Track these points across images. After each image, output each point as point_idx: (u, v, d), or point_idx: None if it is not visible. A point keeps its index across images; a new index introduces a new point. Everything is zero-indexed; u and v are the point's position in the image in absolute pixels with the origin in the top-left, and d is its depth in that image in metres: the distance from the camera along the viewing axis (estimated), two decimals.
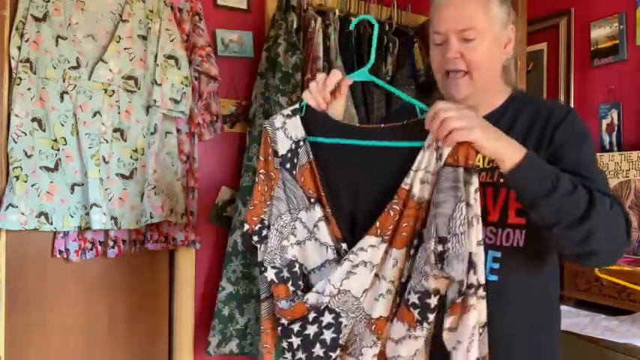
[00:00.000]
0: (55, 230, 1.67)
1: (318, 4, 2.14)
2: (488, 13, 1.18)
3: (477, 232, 0.95)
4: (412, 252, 1.01)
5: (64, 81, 1.66)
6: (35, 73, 1.62)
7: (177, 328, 1.97)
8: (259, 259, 1.13)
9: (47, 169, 1.64)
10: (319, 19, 2.03)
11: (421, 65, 2.24)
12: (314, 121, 1.13)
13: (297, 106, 1.14)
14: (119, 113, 1.74)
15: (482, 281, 0.94)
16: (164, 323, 1.99)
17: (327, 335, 1.07)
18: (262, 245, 1.13)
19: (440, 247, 0.94)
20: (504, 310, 1.13)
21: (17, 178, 1.58)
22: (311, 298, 1.06)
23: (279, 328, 1.10)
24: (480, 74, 1.17)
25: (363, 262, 1.03)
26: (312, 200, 1.10)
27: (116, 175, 1.73)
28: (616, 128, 2.20)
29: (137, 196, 1.75)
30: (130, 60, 1.75)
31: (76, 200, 1.67)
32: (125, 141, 1.75)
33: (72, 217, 1.66)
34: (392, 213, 1.03)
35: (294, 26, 2.00)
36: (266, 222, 1.13)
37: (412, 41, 2.26)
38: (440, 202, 0.97)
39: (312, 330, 1.07)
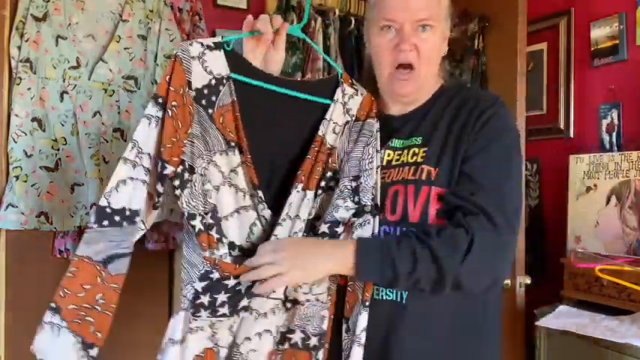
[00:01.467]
0: (55, 230, 1.67)
1: (318, 4, 2.14)
2: (440, 3, 1.14)
3: (377, 163, 1.16)
4: (319, 192, 1.13)
5: (64, 81, 1.66)
6: (35, 73, 1.62)
7: None
8: (183, 207, 1.00)
9: (47, 169, 1.64)
10: (319, 19, 2.03)
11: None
12: (237, 59, 1.07)
13: (219, 38, 1.06)
14: (119, 113, 1.74)
15: (379, 203, 1.13)
16: (164, 323, 1.98)
17: (244, 285, 1.04)
18: (184, 190, 1.00)
19: (354, 184, 1.13)
20: (417, 325, 1.10)
21: (17, 177, 1.58)
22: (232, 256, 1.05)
23: (203, 284, 1.02)
24: (427, 69, 1.16)
25: (297, 216, 1.10)
26: (232, 144, 1.04)
27: None
28: (616, 128, 2.20)
29: None
30: (130, 60, 1.75)
31: (76, 200, 1.67)
32: (125, 141, 1.75)
33: (72, 217, 1.66)
34: (308, 159, 1.12)
35: None
36: (187, 163, 1.01)
37: None
38: (352, 149, 1.16)
39: (244, 285, 1.04)
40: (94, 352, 1.02)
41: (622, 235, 2.02)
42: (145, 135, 0.99)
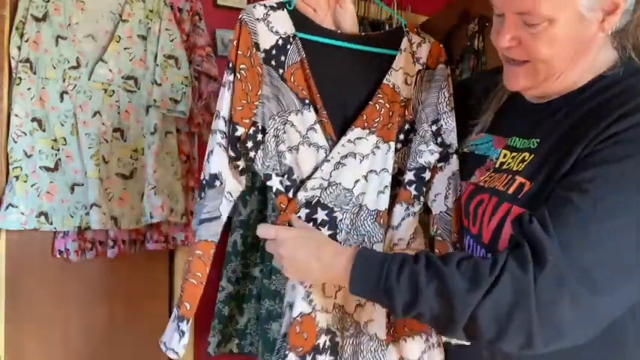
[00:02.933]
0: (55, 230, 1.67)
1: None
2: None
3: (453, 105, 1.13)
4: (399, 146, 1.13)
5: (64, 81, 1.66)
6: (35, 73, 1.62)
7: None
8: (258, 168, 1.02)
9: (47, 169, 1.64)
10: None
11: None
12: (300, 18, 1.07)
13: None
14: (119, 113, 1.74)
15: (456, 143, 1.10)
16: (164, 323, 1.98)
17: (324, 233, 1.05)
18: (257, 152, 1.03)
19: (434, 127, 1.12)
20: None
21: (17, 178, 1.58)
22: (300, 195, 1.04)
23: None
24: (546, 67, 0.91)
25: (352, 154, 1.06)
26: (306, 102, 1.05)
27: (116, 175, 1.73)
28: None
29: (137, 196, 1.75)
30: (130, 60, 1.75)
31: (76, 200, 1.67)
32: (125, 141, 1.75)
33: (72, 217, 1.66)
34: (377, 106, 1.10)
35: None
36: (259, 125, 1.03)
37: None
38: (426, 97, 1.15)
39: None
40: (184, 325, 1.04)
41: None
42: (222, 102, 1.03)
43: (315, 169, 1.05)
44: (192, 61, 1.86)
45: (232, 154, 1.03)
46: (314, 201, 1.04)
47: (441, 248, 1.08)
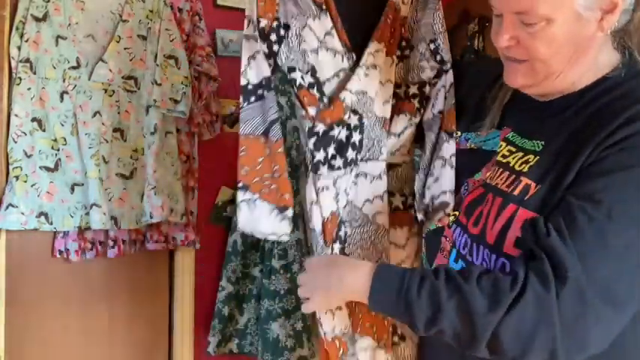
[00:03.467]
0: (55, 230, 1.67)
1: None
2: None
3: (445, 27, 1.18)
4: (396, 60, 1.19)
5: (64, 81, 1.66)
6: (35, 73, 1.62)
7: (177, 327, 1.97)
8: (282, 62, 1.07)
9: (47, 169, 1.64)
10: None
11: None
12: None
13: None
14: (119, 113, 1.74)
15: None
16: (164, 323, 1.99)
17: (356, 137, 1.13)
18: (281, 46, 1.07)
19: (432, 46, 1.17)
20: None
21: (17, 178, 1.58)
22: (347, 97, 1.11)
23: (312, 140, 1.07)
24: (544, 66, 0.90)
25: (373, 66, 1.14)
26: (323, 7, 1.10)
27: (116, 175, 1.73)
28: None
29: (137, 196, 1.75)
30: (130, 60, 1.75)
31: (76, 200, 1.67)
32: (125, 141, 1.75)
33: (72, 217, 1.66)
34: (388, 21, 1.17)
35: None
36: (281, 20, 1.07)
37: None
38: (421, 17, 1.19)
39: (343, 134, 1.11)
40: (289, 212, 1.07)
41: None
42: (250, 6, 1.08)
43: (336, 75, 1.12)
44: (192, 61, 1.86)
45: (263, 49, 1.07)
46: (353, 107, 1.12)
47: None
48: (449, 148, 1.09)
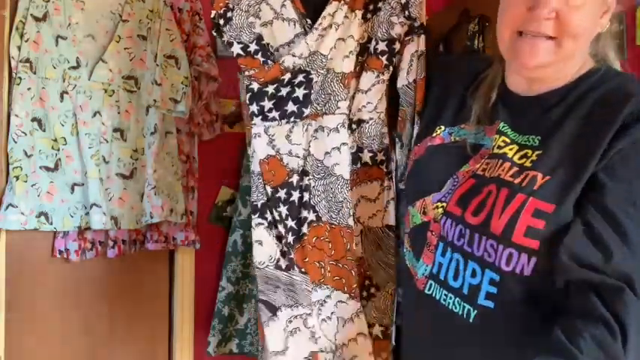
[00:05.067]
0: (55, 230, 1.67)
1: None
2: None
3: None
4: (369, 15, 1.22)
5: (64, 81, 1.66)
6: (35, 73, 1.62)
7: (177, 327, 1.97)
8: (224, 39, 1.21)
9: (47, 169, 1.64)
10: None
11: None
12: None
13: None
14: (119, 113, 1.74)
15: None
16: (164, 323, 1.99)
17: (300, 92, 1.20)
18: (227, 26, 1.21)
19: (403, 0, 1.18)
20: (489, 348, 0.93)
21: (17, 178, 1.58)
22: (287, 60, 1.19)
23: (248, 95, 1.20)
24: (572, 45, 0.92)
25: (330, 25, 1.19)
26: None
27: (116, 175, 1.73)
28: None
29: (137, 196, 1.75)
30: (130, 60, 1.75)
31: (76, 200, 1.67)
32: (125, 141, 1.75)
33: (72, 217, 1.66)
34: None
35: None
36: (230, 5, 1.20)
37: None
38: None
39: (284, 91, 1.20)
40: None
41: None
42: None
43: (292, 40, 1.20)
44: (192, 61, 1.86)
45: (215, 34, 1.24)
46: (297, 68, 1.19)
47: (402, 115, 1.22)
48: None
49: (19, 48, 1.60)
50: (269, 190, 1.21)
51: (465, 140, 1.04)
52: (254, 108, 1.20)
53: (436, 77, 1.20)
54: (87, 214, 1.66)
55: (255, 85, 1.20)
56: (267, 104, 1.21)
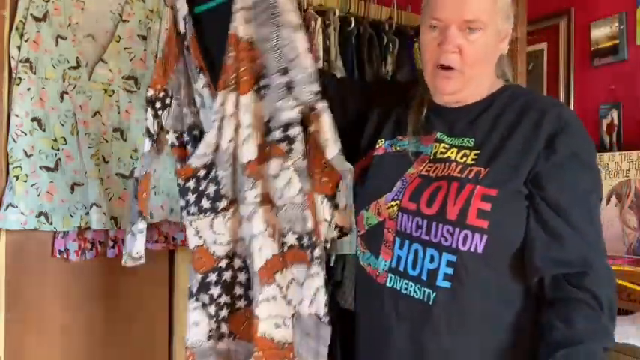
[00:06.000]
0: (55, 230, 1.67)
1: (318, 4, 2.14)
2: (496, 2, 1.09)
3: (302, 42, 1.03)
4: (262, 92, 1.10)
5: (64, 81, 1.66)
6: (35, 73, 1.62)
7: (177, 327, 1.97)
8: (163, 124, 1.25)
9: (47, 169, 1.64)
10: (319, 20, 2.03)
11: (420, 65, 2.24)
12: None
13: None
14: (119, 113, 1.74)
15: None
16: (164, 323, 1.99)
17: (211, 189, 1.21)
18: (164, 112, 1.24)
19: (285, 79, 1.05)
20: (454, 325, 1.07)
21: (17, 178, 1.58)
22: (194, 162, 1.20)
23: (178, 189, 1.25)
24: (473, 71, 1.11)
25: (221, 119, 1.15)
26: (199, 69, 1.18)
27: (116, 175, 1.73)
28: (616, 128, 2.21)
29: None
30: (130, 60, 1.75)
31: (76, 200, 1.67)
32: (125, 141, 1.75)
33: (72, 217, 1.66)
34: (229, 61, 1.10)
35: None
36: (169, 91, 1.23)
37: (412, 41, 2.26)
38: (264, 36, 1.05)
39: (202, 185, 1.22)
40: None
41: (622, 235, 2.02)
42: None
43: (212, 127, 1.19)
44: None
45: (149, 115, 1.27)
46: (207, 163, 1.19)
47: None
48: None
49: (19, 48, 1.60)
50: (199, 277, 1.22)
51: (406, 149, 1.19)
52: (182, 202, 1.23)
53: (378, 97, 1.31)
54: (87, 214, 1.66)
55: (180, 181, 1.24)
56: (191, 198, 1.22)
